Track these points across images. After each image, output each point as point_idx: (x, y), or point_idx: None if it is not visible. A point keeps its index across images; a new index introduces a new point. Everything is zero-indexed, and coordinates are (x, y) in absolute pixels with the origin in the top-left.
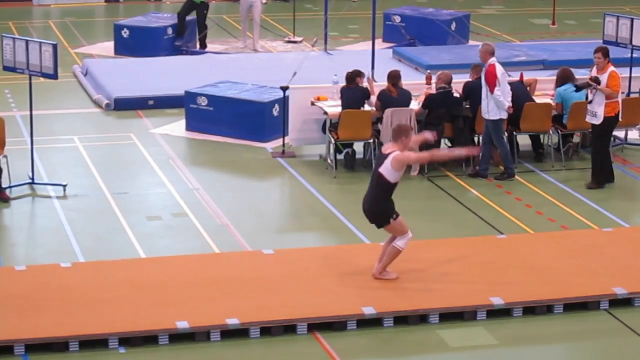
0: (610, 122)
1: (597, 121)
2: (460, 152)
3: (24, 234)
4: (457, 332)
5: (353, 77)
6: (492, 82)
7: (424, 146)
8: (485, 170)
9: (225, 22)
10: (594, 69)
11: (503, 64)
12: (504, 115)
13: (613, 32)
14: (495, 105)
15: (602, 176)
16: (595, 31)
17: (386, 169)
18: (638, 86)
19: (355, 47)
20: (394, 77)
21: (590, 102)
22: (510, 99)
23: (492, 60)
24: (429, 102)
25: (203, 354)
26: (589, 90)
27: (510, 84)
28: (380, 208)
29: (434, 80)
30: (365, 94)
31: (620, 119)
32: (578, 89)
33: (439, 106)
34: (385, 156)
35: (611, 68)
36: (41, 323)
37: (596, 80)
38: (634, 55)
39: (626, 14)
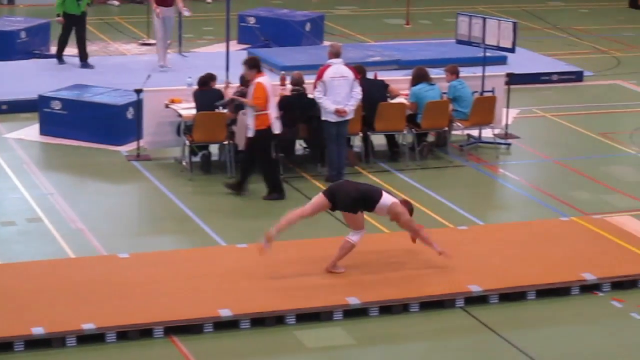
0: (262, 135)
1: (251, 134)
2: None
3: None
4: (314, 333)
5: (206, 80)
6: (314, 82)
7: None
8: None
9: None
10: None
11: (357, 64)
12: (330, 118)
13: (466, 31)
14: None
15: (279, 188)
16: (449, 30)
17: None
18: (491, 85)
19: (210, 49)
20: (245, 79)
21: (245, 114)
22: (345, 103)
23: (331, 61)
24: (284, 103)
25: None
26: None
27: (363, 83)
28: (357, 195)
29: (288, 81)
30: (220, 97)
31: (274, 132)
32: (223, 106)
33: (293, 107)
34: None
35: (258, 79)
36: None
37: (242, 95)
38: (487, 54)
39: (479, 13)
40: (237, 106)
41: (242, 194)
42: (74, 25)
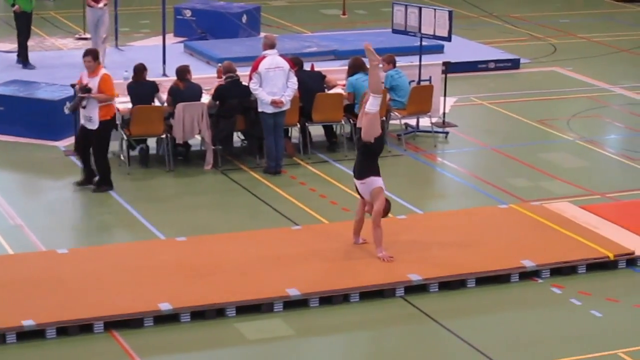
0: (107, 126)
1: (94, 126)
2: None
3: None
4: (255, 325)
5: (139, 70)
6: (250, 74)
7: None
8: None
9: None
10: (85, 73)
11: (294, 55)
12: (266, 109)
13: (402, 20)
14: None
15: (108, 181)
16: (385, 20)
17: None
18: (428, 74)
19: (147, 42)
20: (181, 72)
21: (85, 107)
22: (281, 94)
23: (266, 52)
24: (219, 92)
25: None
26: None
27: (300, 75)
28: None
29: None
30: (154, 88)
31: (116, 122)
32: (71, 110)
33: (229, 95)
34: None
35: (103, 71)
36: None
37: (87, 90)
38: (424, 43)
39: (415, 3)
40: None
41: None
42: (27, 22)
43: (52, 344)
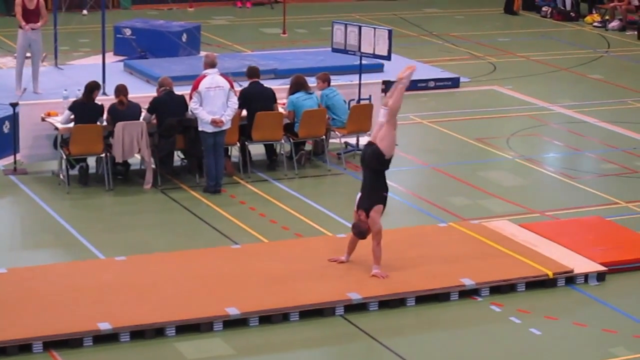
0: None
1: None
2: None
3: None
4: (194, 344)
5: (92, 88)
6: (190, 93)
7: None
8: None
9: None
10: None
11: (234, 75)
12: (206, 128)
13: (342, 39)
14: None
15: None
16: (325, 39)
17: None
18: (368, 93)
19: (87, 61)
20: (120, 91)
21: None
22: (221, 113)
23: (206, 72)
24: (154, 104)
25: None
26: None
27: (253, 88)
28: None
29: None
30: (100, 112)
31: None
32: None
33: (164, 107)
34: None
35: None
36: None
37: None
38: (363, 62)
39: (355, 22)
40: None
41: None
42: None
43: None
